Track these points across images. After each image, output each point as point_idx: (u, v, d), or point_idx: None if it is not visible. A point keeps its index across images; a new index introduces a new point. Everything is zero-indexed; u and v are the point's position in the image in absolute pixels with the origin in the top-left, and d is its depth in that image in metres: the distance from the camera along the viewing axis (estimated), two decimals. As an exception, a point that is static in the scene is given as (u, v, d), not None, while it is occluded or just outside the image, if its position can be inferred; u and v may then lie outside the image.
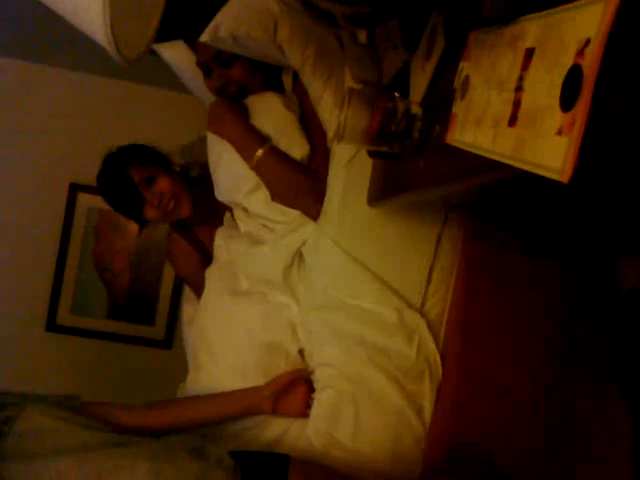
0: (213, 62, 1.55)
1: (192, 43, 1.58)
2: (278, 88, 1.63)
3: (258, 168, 1.47)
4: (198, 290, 1.70)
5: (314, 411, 1.31)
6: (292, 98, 1.60)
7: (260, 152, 1.46)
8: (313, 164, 1.50)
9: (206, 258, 1.71)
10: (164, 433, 1.29)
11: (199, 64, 1.59)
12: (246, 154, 1.48)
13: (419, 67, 0.99)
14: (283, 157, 1.48)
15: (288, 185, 1.47)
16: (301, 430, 1.32)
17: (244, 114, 1.54)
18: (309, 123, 1.53)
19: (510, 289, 1.28)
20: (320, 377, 1.33)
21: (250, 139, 1.49)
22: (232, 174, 1.54)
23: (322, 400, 1.30)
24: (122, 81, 2.45)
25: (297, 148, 1.49)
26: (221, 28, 1.40)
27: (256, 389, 1.36)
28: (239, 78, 1.56)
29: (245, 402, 1.35)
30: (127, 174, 1.57)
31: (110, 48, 0.74)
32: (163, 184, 1.58)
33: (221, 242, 1.61)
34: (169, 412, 1.35)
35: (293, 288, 1.45)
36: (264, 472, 1.18)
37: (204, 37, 1.41)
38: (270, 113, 1.53)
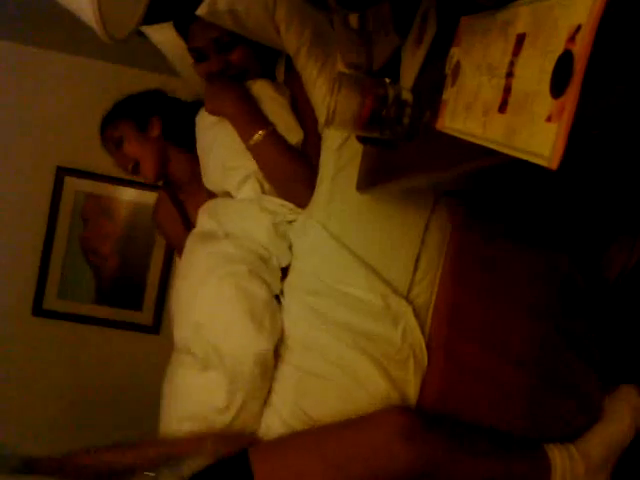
0: (211, 47, 1.51)
1: (183, 29, 1.55)
2: (270, 78, 1.62)
3: (255, 149, 1.46)
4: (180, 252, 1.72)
5: (296, 398, 1.31)
6: (283, 87, 1.59)
7: (261, 133, 1.45)
8: (306, 152, 1.49)
9: (187, 227, 1.72)
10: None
11: (192, 49, 1.55)
12: (245, 133, 1.47)
13: (410, 53, 0.99)
14: (282, 142, 1.47)
15: (285, 171, 1.46)
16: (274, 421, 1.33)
17: (245, 93, 1.53)
18: (301, 112, 1.52)
19: (498, 278, 1.29)
20: (302, 362, 1.32)
21: (252, 118, 1.48)
22: (223, 164, 1.53)
23: (307, 386, 1.30)
24: (111, 64, 2.42)
25: (293, 134, 1.49)
26: (219, 2, 1.38)
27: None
28: (239, 62, 1.54)
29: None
30: (105, 134, 1.72)
31: (97, 27, 0.73)
32: (127, 147, 1.67)
33: (204, 216, 1.59)
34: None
35: (278, 245, 1.43)
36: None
37: (201, 10, 1.39)
38: (265, 98, 1.53)
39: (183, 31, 1.56)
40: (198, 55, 1.55)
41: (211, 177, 1.58)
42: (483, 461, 1.17)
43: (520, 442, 1.20)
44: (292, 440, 1.24)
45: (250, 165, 1.48)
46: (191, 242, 1.55)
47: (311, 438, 1.23)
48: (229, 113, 1.49)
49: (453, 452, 1.16)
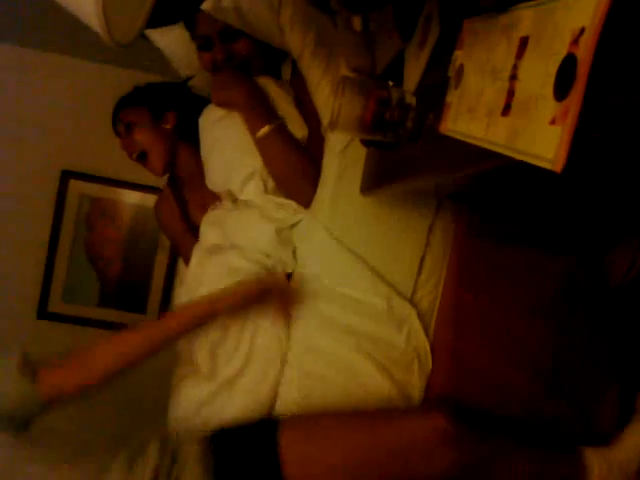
0: (216, 35, 1.51)
1: (189, 18, 1.54)
2: (276, 76, 1.62)
3: (263, 142, 1.45)
4: (181, 251, 1.72)
5: (299, 400, 1.30)
6: (287, 86, 1.59)
7: (270, 126, 1.44)
8: (310, 152, 1.49)
9: (188, 224, 1.72)
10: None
11: (198, 37, 1.54)
12: (254, 125, 1.46)
13: (413, 56, 0.99)
14: (290, 137, 1.47)
15: (290, 166, 1.45)
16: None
17: (255, 86, 1.52)
18: (306, 113, 1.52)
19: (502, 280, 1.29)
20: (304, 364, 1.32)
21: (262, 110, 1.47)
22: (227, 162, 1.53)
23: (309, 388, 1.30)
24: (116, 67, 2.42)
25: (298, 129, 1.49)
26: None
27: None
28: (243, 52, 1.53)
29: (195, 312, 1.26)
30: (118, 115, 1.69)
31: (102, 32, 0.73)
32: (136, 135, 1.65)
33: (208, 227, 1.59)
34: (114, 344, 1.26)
35: (282, 251, 1.43)
36: (248, 445, 1.16)
37: (206, 5, 1.38)
38: (270, 93, 1.52)
39: (189, 20, 1.55)
40: (203, 43, 1.54)
41: (214, 176, 1.58)
42: (519, 465, 1.16)
43: (557, 445, 1.20)
44: (324, 425, 1.21)
45: (254, 163, 1.48)
46: (197, 255, 1.55)
47: (344, 425, 1.20)
48: (239, 104, 1.48)
49: (491, 456, 1.16)
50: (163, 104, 1.70)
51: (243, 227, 1.48)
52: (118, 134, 1.71)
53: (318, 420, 1.22)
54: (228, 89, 1.50)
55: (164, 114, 1.67)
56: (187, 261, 1.65)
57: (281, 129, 1.45)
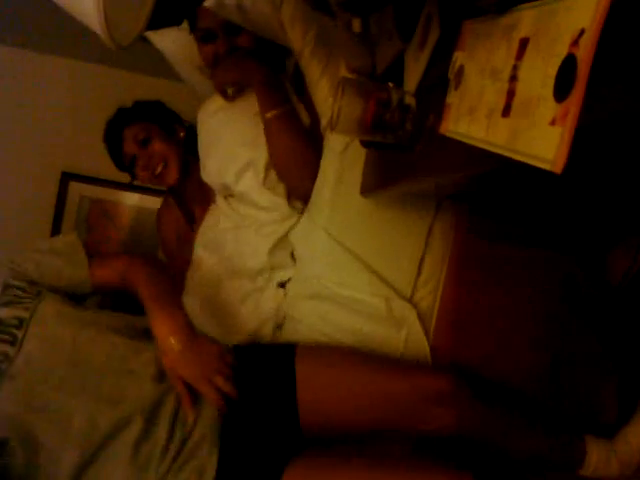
0: (220, 28, 1.50)
1: (191, 13, 1.54)
2: (280, 71, 1.62)
3: (272, 123, 1.45)
4: (172, 262, 1.74)
5: None
6: (291, 81, 1.59)
7: (282, 108, 1.44)
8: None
9: (191, 232, 1.72)
10: None
11: (199, 29, 1.53)
12: (267, 104, 1.45)
13: (413, 57, 0.99)
14: (299, 123, 1.47)
15: (294, 150, 1.44)
16: None
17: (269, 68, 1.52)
18: (310, 108, 1.52)
19: (502, 280, 1.29)
20: None
21: (277, 90, 1.47)
22: (224, 153, 1.52)
23: None
24: (116, 69, 2.43)
25: (304, 115, 1.49)
26: None
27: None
28: (246, 45, 1.52)
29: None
30: (121, 136, 1.67)
31: (103, 34, 0.73)
32: (156, 146, 1.64)
33: (201, 251, 1.59)
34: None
35: (280, 260, 1.44)
36: (268, 363, 1.24)
37: (209, 2, 1.38)
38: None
39: (190, 15, 1.54)
40: (206, 35, 1.53)
41: (210, 168, 1.57)
42: (517, 439, 1.20)
43: (563, 427, 1.23)
44: (336, 357, 1.28)
45: (251, 154, 1.48)
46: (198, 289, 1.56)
47: (355, 363, 1.26)
48: (257, 80, 1.47)
49: (490, 427, 1.19)
50: (169, 117, 1.71)
51: (241, 250, 1.49)
52: (125, 162, 1.68)
53: (333, 351, 1.29)
54: (244, 68, 1.49)
55: (174, 126, 1.70)
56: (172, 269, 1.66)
57: (292, 113, 1.46)
